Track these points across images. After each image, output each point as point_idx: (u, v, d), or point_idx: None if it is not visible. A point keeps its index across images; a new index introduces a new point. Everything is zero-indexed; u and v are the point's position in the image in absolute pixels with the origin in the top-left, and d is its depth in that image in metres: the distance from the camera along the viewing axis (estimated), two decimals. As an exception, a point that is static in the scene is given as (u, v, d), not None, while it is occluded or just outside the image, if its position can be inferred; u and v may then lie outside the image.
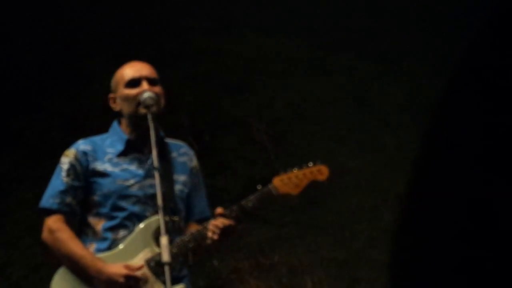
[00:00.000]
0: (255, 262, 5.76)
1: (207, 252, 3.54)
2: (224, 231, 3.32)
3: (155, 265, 3.28)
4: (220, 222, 3.32)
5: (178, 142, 3.65)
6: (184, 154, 3.60)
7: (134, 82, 3.45)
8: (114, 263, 3.30)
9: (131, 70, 3.48)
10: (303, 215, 5.79)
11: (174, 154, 3.56)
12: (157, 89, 3.46)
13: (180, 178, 3.53)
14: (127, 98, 3.45)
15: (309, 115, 5.92)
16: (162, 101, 3.47)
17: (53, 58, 6.08)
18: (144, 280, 3.28)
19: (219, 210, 3.38)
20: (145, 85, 3.42)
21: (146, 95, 3.37)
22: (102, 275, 3.28)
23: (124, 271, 3.26)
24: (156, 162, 3.19)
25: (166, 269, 3.01)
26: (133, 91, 3.43)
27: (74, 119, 5.93)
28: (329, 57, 5.99)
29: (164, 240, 3.04)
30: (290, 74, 6.03)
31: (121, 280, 3.25)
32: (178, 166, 3.53)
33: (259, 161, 5.37)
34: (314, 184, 3.35)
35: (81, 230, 3.46)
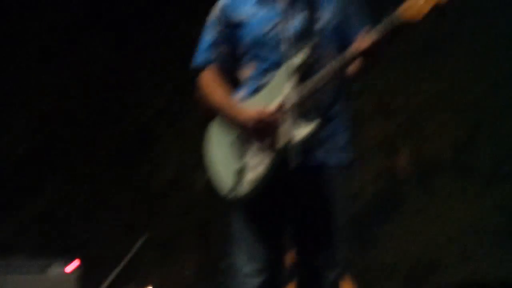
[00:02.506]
0: (377, 106, 5.79)
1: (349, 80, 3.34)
2: (364, 54, 3.10)
3: (292, 105, 3.15)
4: (358, 44, 3.10)
5: None
6: None
7: None
8: (253, 108, 3.23)
9: None
10: (427, 57, 5.68)
11: None
12: None
13: (325, 11, 3.31)
14: None
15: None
16: None
17: None
18: (279, 122, 3.16)
19: (361, 34, 3.12)
20: None
21: None
22: (238, 120, 3.25)
23: (255, 114, 3.19)
24: (282, 4, 3.17)
25: (290, 113, 3.03)
26: None
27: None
28: None
29: (288, 83, 3.07)
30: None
31: (252, 122, 3.18)
32: (323, 0, 3.31)
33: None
34: (437, 11, 3.00)
35: (234, 81, 3.45)
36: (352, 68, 3.25)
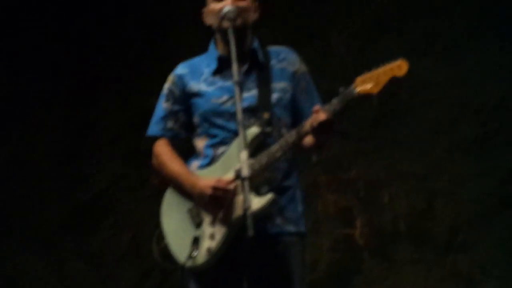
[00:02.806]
0: (332, 177, 5.80)
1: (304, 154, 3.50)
2: (323, 125, 3.16)
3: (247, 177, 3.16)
4: (318, 116, 3.16)
5: (279, 48, 3.55)
6: (283, 59, 3.49)
7: None
8: (209, 178, 3.30)
9: None
10: (381, 129, 5.75)
11: (273, 62, 3.47)
12: (243, 2, 3.41)
13: (279, 85, 3.42)
14: (212, 12, 3.43)
15: (389, 27, 5.87)
16: (251, 14, 3.45)
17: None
18: (235, 192, 3.25)
19: (317, 107, 3.21)
20: None
21: (226, 9, 3.35)
22: (195, 189, 3.30)
23: (212, 183, 3.25)
24: (236, 77, 3.18)
25: (246, 184, 3.01)
26: (217, 5, 3.41)
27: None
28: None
29: (243, 154, 3.06)
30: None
31: (209, 191, 3.24)
32: (277, 74, 3.43)
33: (338, 74, 5.33)
34: (393, 82, 3.13)
35: (190, 151, 3.54)
36: (307, 141, 3.30)
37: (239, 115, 3.15)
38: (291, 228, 3.33)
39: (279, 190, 3.27)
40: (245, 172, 3.04)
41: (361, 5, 5.92)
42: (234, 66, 3.18)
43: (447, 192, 5.53)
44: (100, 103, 6.46)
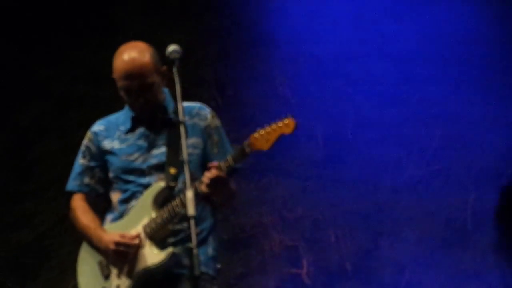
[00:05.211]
0: (278, 216, 5.83)
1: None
2: (215, 182, 3.31)
3: (150, 230, 3.39)
4: (211, 173, 3.32)
5: (192, 104, 3.65)
6: (196, 115, 3.60)
7: (124, 89, 3.51)
8: (115, 232, 3.45)
9: (121, 76, 3.49)
10: (326, 168, 5.79)
11: (185, 118, 3.46)
12: (148, 94, 3.48)
13: (189, 141, 3.52)
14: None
15: (332, 68, 5.90)
16: (160, 92, 3.52)
17: (79, 8, 6.19)
18: (138, 246, 3.38)
19: (213, 163, 3.38)
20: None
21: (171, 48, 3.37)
22: (101, 243, 3.45)
23: (115, 238, 3.39)
24: (181, 115, 3.24)
25: (192, 223, 3.04)
26: (125, 98, 3.53)
27: (100, 70, 5.86)
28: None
29: (189, 193, 3.09)
30: (313, 28, 6.07)
31: (112, 246, 3.38)
32: (188, 130, 3.49)
33: (282, 114, 5.42)
34: (284, 139, 3.30)
35: (107, 205, 3.65)
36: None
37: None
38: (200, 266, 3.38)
39: (187, 238, 3.31)
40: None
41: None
42: (179, 105, 3.26)
43: (393, 231, 5.56)
44: (43, 143, 6.40)
